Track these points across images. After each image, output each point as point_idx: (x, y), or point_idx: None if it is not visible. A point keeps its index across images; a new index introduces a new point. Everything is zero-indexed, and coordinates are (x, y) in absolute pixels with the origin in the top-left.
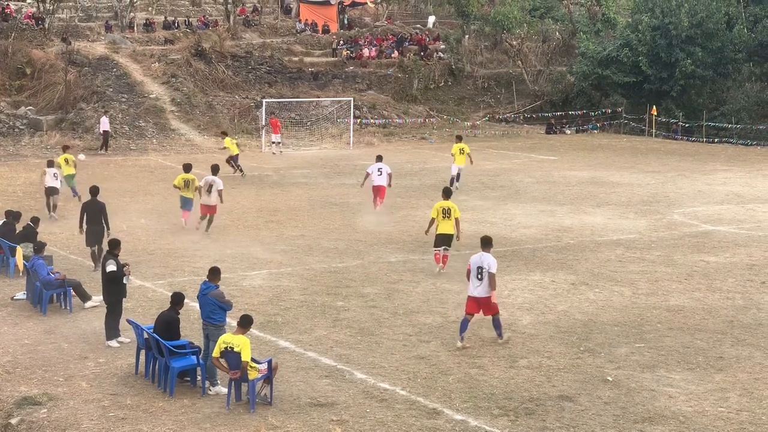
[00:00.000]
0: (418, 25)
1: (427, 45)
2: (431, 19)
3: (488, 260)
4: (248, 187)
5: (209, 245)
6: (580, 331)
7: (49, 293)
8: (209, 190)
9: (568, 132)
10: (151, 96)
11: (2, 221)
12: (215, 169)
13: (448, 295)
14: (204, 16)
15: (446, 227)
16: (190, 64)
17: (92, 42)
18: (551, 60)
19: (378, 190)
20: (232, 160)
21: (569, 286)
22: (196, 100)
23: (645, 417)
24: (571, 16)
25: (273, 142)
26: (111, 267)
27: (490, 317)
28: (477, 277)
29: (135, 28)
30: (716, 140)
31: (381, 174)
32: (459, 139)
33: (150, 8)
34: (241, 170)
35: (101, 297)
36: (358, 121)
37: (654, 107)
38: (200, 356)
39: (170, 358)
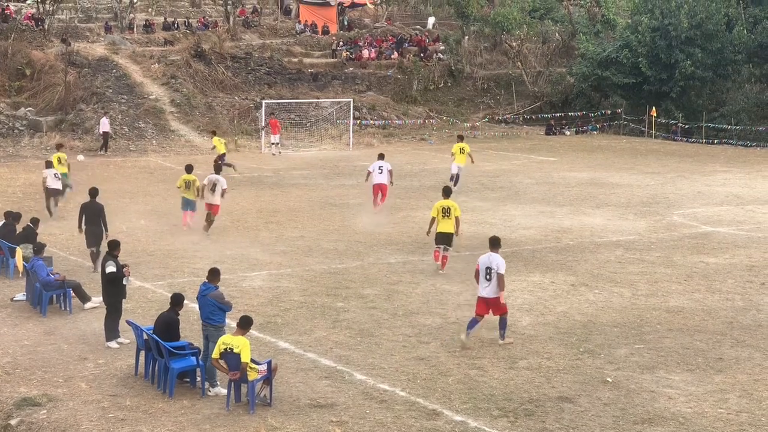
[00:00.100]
0: (418, 27)
1: (427, 46)
2: (431, 20)
3: (497, 261)
4: (248, 188)
5: (209, 246)
6: (579, 332)
7: (49, 294)
8: (213, 189)
9: (568, 133)
10: (150, 97)
11: (2, 222)
12: (218, 168)
13: (447, 296)
14: (204, 17)
15: (446, 226)
16: (189, 65)
17: (92, 43)
18: (551, 61)
19: (379, 188)
20: (220, 159)
21: (569, 287)
22: (195, 102)
23: (645, 418)
24: (571, 18)
25: (272, 143)
26: (110, 268)
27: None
28: (486, 278)
29: (135, 29)
30: (716, 141)
31: (382, 172)
32: (460, 138)
33: (150, 9)
34: (230, 165)
35: (101, 298)
36: (358, 122)
37: (653, 108)
38: (200, 357)
39: (170, 359)
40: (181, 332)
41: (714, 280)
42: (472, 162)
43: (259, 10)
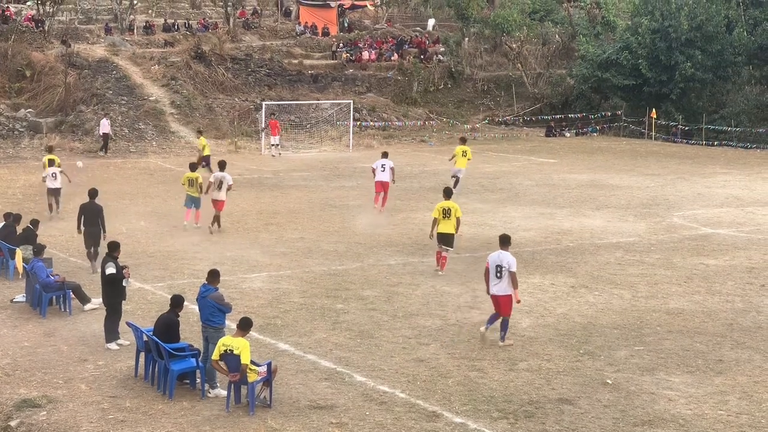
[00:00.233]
0: (418, 28)
1: (427, 48)
2: (431, 21)
3: (507, 259)
4: (247, 190)
5: (209, 248)
6: (579, 334)
7: (49, 296)
8: (219, 186)
9: (568, 135)
10: (150, 98)
11: (2, 224)
12: (222, 165)
13: (447, 297)
14: (204, 19)
15: (446, 227)
16: (189, 66)
17: (92, 44)
18: (551, 63)
19: (381, 186)
20: (204, 161)
21: (569, 289)
22: (195, 103)
23: (644, 420)
24: (571, 19)
25: (272, 145)
26: (110, 269)
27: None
28: (496, 275)
29: (135, 30)
30: (716, 143)
31: (384, 170)
32: (463, 141)
33: (150, 11)
34: (207, 166)
35: (101, 299)
36: (358, 123)
37: (653, 110)
38: (200, 359)
39: (170, 360)
40: (181, 334)
41: (714, 281)
42: (469, 158)
43: (259, 11)
